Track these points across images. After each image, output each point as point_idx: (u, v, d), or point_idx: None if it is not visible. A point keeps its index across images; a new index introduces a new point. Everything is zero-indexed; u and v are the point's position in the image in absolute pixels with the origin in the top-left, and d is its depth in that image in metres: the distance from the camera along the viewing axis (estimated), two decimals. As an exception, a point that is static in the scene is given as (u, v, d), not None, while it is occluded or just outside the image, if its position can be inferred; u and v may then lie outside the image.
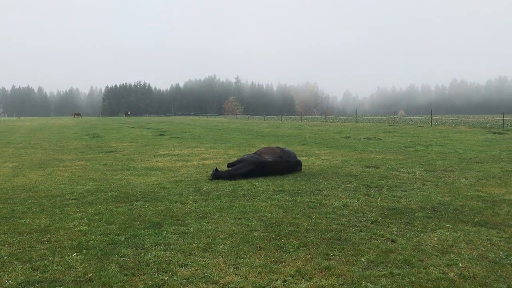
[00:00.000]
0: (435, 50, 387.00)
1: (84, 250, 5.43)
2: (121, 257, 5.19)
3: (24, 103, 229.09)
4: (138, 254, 5.28)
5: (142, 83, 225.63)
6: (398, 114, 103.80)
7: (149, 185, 10.55)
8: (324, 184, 10.36)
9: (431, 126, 44.14)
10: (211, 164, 14.76)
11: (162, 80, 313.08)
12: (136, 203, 8.34)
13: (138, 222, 6.85)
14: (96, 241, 5.84)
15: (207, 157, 16.98)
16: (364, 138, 27.54)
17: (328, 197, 8.69)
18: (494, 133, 31.51)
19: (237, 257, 5.16)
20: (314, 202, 8.28)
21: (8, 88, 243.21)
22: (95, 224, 6.76)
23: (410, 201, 8.27)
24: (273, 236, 6.03)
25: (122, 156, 17.90)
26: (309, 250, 5.42)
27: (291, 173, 12.04)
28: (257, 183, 10.51)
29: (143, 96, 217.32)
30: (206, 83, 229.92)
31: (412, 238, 5.94)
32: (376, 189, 9.63)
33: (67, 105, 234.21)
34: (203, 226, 6.60)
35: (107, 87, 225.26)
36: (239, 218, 7.07)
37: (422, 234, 6.10)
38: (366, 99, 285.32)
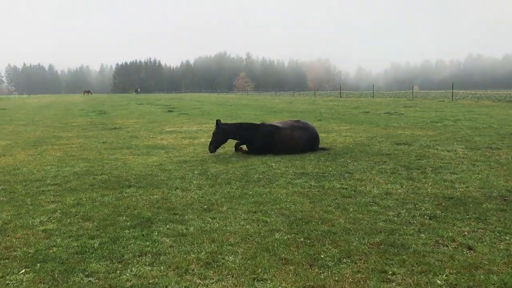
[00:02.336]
0: (449, 24, 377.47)
1: (39, 264, 3.90)
2: (87, 276, 3.65)
3: (35, 81, 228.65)
4: (113, 272, 3.74)
5: (152, 60, 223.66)
6: (413, 89, 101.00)
7: (147, 167, 9.02)
8: (354, 165, 8.73)
9: (452, 100, 42.02)
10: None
11: (172, 57, 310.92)
12: (127, 190, 6.81)
13: (124, 218, 5.31)
14: (61, 248, 4.31)
15: (217, 134, 15.38)
16: (384, 113, 25.79)
17: (363, 182, 7.07)
18: (524, 107, 29.52)
19: (254, 277, 3.60)
20: (346, 188, 6.67)
21: (20, 66, 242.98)
22: (68, 220, 5.24)
23: (468, 187, 6.61)
24: (302, 239, 4.45)
25: (125, 133, 16.45)
26: (356, 263, 3.84)
27: (312, 150, 10.42)
28: (273, 164, 8.92)
29: (153, 73, 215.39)
30: (216, 60, 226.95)
31: (495, 243, 4.31)
32: (418, 171, 7.97)
33: (78, 82, 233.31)
34: (207, 223, 5.04)
35: (117, 64, 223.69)
36: (254, 212, 5.49)
37: (506, 237, 4.47)
38: (380, 75, 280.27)
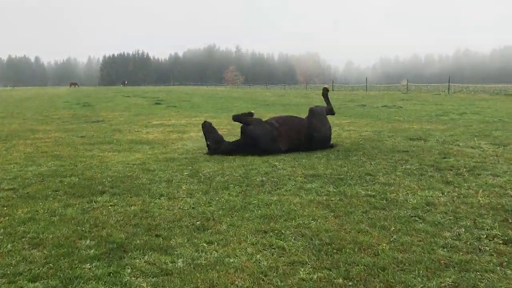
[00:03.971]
0: (437, 18, 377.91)
1: None
2: None
3: (21, 73, 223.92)
4: None
5: (140, 52, 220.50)
6: (401, 83, 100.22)
7: (128, 166, 7.61)
8: (371, 164, 7.41)
9: (449, 94, 41.00)
10: (212, 136, 11.77)
11: (160, 49, 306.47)
12: (99, 199, 5.39)
13: (87, 242, 3.89)
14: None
15: (208, 128, 13.97)
16: (382, 106, 24.64)
17: (392, 188, 5.73)
18: (525, 100, 28.60)
19: None
20: (374, 196, 5.32)
21: (4, 58, 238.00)
22: (9, 246, 3.81)
23: (527, 195, 5.30)
24: (340, 280, 3.09)
25: (108, 127, 15.00)
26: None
27: (319, 147, 9.07)
28: (277, 163, 7.55)
29: (141, 65, 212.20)
30: (205, 52, 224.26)
31: None
32: (451, 172, 6.67)
33: (65, 74, 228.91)
34: (201, 252, 3.66)
35: (104, 56, 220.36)
36: (264, 232, 4.12)
37: None
38: (369, 69, 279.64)
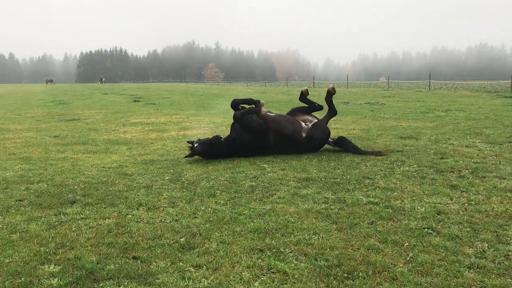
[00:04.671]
0: (414, 16, 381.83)
1: None
2: None
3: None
4: None
5: (118, 49, 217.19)
6: (379, 80, 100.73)
7: (103, 170, 6.96)
8: (367, 166, 6.92)
9: (430, 90, 41.02)
10: (194, 135, 11.16)
11: (139, 46, 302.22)
12: (68, 210, 4.74)
13: (50, 268, 3.26)
14: None
15: (189, 127, 13.36)
16: (365, 103, 24.34)
17: (395, 193, 5.23)
18: (506, 97, 28.62)
19: None
20: (378, 204, 4.81)
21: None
22: None
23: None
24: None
25: (83, 126, 14.24)
26: None
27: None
28: (266, 165, 7.00)
29: (119, 62, 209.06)
30: (185, 49, 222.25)
31: None
32: (454, 175, 6.21)
33: (41, 72, 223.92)
34: (188, 281, 3.07)
35: (81, 53, 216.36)
36: (261, 251, 3.55)
37: None
38: (348, 66, 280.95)
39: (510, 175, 6.06)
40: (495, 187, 5.39)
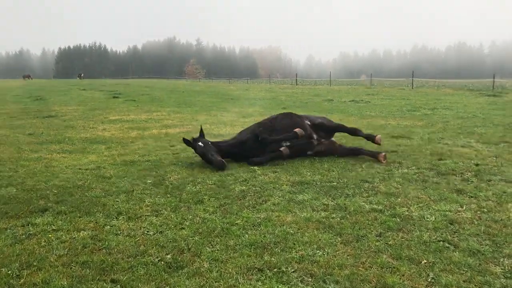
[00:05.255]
0: (394, 14, 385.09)
1: None
2: None
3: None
4: None
5: (97, 44, 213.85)
6: (360, 78, 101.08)
7: (79, 172, 6.40)
8: (363, 168, 6.53)
9: (412, 88, 41.07)
10: (177, 134, 10.65)
11: (118, 41, 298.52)
12: (38, 220, 4.20)
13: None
14: None
15: (171, 124, 12.82)
16: (350, 101, 24.07)
17: (399, 199, 4.82)
18: (489, 95, 28.72)
19: None
20: (382, 211, 4.39)
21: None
22: None
23: (558, 207, 4.49)
24: None
25: (60, 123, 13.58)
26: None
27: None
28: (256, 167, 6.53)
29: (98, 58, 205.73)
30: (165, 45, 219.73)
31: None
32: (457, 178, 5.85)
33: (18, 67, 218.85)
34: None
35: (60, 48, 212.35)
36: (260, 270, 3.09)
37: None
38: (329, 64, 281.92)
39: (515, 178, 5.73)
40: (504, 192, 5.03)
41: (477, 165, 6.64)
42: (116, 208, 4.57)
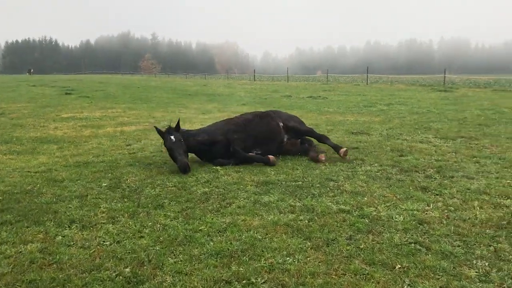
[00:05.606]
0: (348, 10, 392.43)
1: None
2: None
3: None
4: None
5: (48, 38, 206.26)
6: (316, 74, 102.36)
7: (28, 175, 5.97)
8: (326, 165, 6.43)
9: (367, 84, 41.82)
10: (133, 132, 10.25)
11: (70, 36, 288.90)
12: (-21, 232, 3.81)
13: None
14: None
15: (127, 122, 12.37)
16: (307, 97, 24.19)
17: (364, 198, 4.73)
18: (440, 90, 29.60)
19: None
20: (349, 211, 4.28)
21: None
22: None
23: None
24: None
25: (7, 121, 12.82)
26: None
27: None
28: (218, 167, 6.31)
29: (49, 53, 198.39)
30: (119, 40, 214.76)
31: None
32: (419, 174, 5.85)
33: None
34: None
35: (7, 42, 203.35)
36: (228, 283, 2.88)
37: None
38: (285, 60, 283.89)
39: (477, 174, 5.77)
40: (468, 189, 5.03)
41: (437, 161, 6.68)
42: (69, 216, 4.23)
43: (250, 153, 6.72)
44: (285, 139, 7.33)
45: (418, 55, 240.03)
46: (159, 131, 6.60)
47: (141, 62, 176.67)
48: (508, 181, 5.38)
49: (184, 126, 11.36)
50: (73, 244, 3.55)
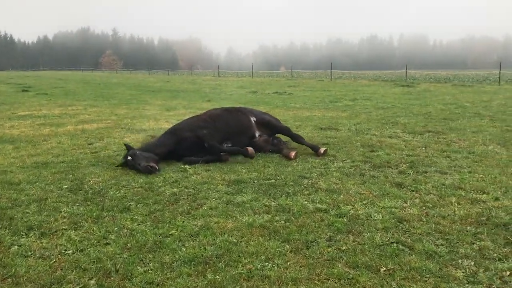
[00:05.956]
0: (309, 7, 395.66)
1: None
2: None
3: None
4: None
5: (2, 34, 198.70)
6: (280, 70, 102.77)
7: (-20, 178, 5.53)
8: (298, 162, 6.28)
9: (331, 80, 42.17)
10: (95, 130, 9.83)
11: (26, 31, 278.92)
12: None
13: None
14: None
15: (88, 120, 11.87)
16: (273, 93, 24.11)
17: (340, 196, 4.59)
18: (402, 86, 30.12)
19: None
20: (326, 210, 4.13)
21: None
22: None
23: (497, 198, 4.47)
24: None
25: (-41, 120, 12.07)
26: None
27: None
28: (187, 166, 6.05)
29: (4, 48, 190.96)
30: (79, 35, 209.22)
31: None
32: (392, 170, 5.78)
33: None
34: None
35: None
36: (205, 293, 2.65)
37: None
38: (249, 56, 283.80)
39: (450, 169, 5.74)
40: (443, 185, 4.98)
41: (409, 156, 6.64)
42: (26, 222, 3.89)
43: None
44: (256, 135, 7.13)
45: (379, 51, 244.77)
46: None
47: (102, 58, 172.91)
48: (481, 176, 5.36)
49: (149, 123, 11.03)
50: (31, 254, 3.23)
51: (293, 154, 6.57)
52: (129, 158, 5.94)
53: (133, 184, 5.17)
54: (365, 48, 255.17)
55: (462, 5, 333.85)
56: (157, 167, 5.76)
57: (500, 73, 32.99)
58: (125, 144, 6.47)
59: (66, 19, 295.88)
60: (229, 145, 6.65)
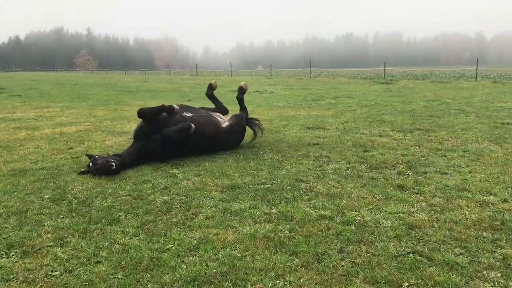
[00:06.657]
0: (284, 5, 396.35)
1: None
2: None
3: None
4: None
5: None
6: (257, 68, 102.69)
7: (-48, 189, 5.11)
8: (291, 164, 6.03)
9: (310, 78, 42.12)
10: (74, 133, 9.40)
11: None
12: None
13: None
14: None
15: (66, 122, 11.40)
16: (254, 92, 23.81)
17: (343, 201, 4.35)
18: (382, 83, 30.25)
19: None
20: (331, 218, 3.88)
21: None
22: None
23: (505, 200, 4.30)
24: None
25: None
26: None
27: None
28: (176, 171, 5.73)
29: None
30: (52, 36, 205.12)
31: None
32: (391, 171, 5.58)
33: None
34: None
35: None
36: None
37: None
38: (226, 55, 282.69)
39: (449, 169, 5.57)
40: (446, 186, 4.79)
41: (404, 155, 6.46)
42: (6, 239, 3.53)
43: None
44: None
45: (355, 49, 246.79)
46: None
47: (76, 58, 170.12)
48: (483, 175, 5.20)
49: (130, 125, 10.61)
50: (13, 277, 2.89)
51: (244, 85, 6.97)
52: (91, 165, 5.63)
53: (120, 192, 4.83)
54: (341, 46, 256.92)
55: (435, 1, 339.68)
56: (114, 162, 5.45)
57: (477, 69, 33.46)
58: (87, 155, 6.29)
59: (38, 19, 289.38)
60: (189, 114, 6.92)
